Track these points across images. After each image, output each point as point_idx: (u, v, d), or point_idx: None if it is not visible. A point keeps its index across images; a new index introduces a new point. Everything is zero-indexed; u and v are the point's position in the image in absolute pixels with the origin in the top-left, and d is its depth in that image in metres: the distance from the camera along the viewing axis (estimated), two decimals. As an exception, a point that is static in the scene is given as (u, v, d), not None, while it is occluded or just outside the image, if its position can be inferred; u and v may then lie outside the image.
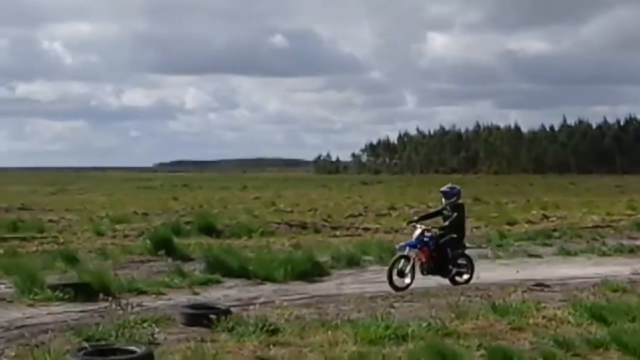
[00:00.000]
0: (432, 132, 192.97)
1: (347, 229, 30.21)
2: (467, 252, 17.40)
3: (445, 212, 17.09)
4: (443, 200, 17.20)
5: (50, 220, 32.47)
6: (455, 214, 16.84)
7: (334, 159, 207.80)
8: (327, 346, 10.70)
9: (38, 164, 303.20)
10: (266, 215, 35.70)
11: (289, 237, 26.83)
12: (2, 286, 16.29)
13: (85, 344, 10.28)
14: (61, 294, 14.96)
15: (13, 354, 10.68)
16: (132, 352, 9.52)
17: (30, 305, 14.51)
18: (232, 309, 13.12)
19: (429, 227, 16.88)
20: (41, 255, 21.06)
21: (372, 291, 16.19)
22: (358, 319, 12.43)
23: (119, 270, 18.01)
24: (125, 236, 26.74)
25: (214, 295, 15.75)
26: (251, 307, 13.90)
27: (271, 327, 11.61)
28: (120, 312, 13.08)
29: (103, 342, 10.52)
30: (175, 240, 22.27)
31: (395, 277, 16.26)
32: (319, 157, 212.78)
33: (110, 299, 14.34)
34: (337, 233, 28.67)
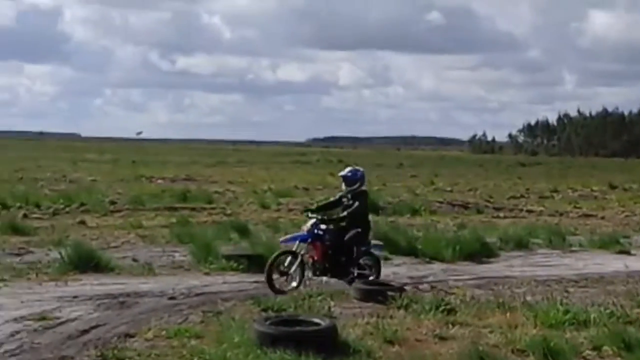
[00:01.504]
0: (593, 113, 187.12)
1: (510, 210, 29.79)
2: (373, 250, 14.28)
3: (345, 200, 13.99)
4: (343, 186, 14.07)
5: (215, 192, 33.34)
6: (357, 203, 13.74)
7: (489, 138, 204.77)
8: (506, 328, 10.58)
9: (195, 136, 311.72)
10: (427, 194, 35.57)
11: (451, 216, 26.69)
12: (177, 254, 16.86)
13: (270, 314, 10.52)
14: (235, 264, 15.38)
15: (199, 319, 11.05)
16: (317, 324, 9.67)
17: (207, 274, 14.98)
18: (406, 287, 13.15)
19: (325, 218, 13.87)
20: (212, 225, 21.67)
21: (544, 274, 15.95)
22: (534, 302, 12.26)
23: (288, 243, 18.29)
24: (290, 210, 27.20)
25: (383, 272, 15.74)
26: (423, 285, 13.91)
27: (447, 307, 11.57)
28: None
29: (287, 313, 10.73)
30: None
31: (276, 277, 13.38)
32: (474, 136, 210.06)
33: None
34: (501, 214, 28.31)
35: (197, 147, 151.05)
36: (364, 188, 14.16)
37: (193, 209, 26.16)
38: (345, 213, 13.75)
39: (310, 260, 13.63)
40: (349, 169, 14.31)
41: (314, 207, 14.82)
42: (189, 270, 15.37)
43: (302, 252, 13.47)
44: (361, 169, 14.35)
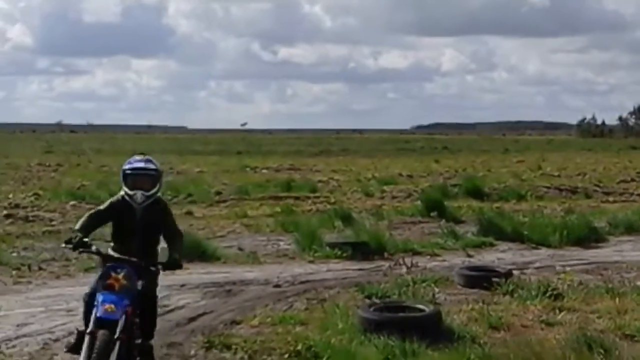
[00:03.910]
0: None
1: (621, 194, 29.06)
2: None
3: (139, 213, 7.72)
4: (125, 188, 7.75)
5: (319, 181, 33.51)
6: (171, 222, 7.91)
7: (599, 121, 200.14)
8: (615, 313, 10.39)
9: (299, 125, 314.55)
10: (533, 179, 35.02)
11: (559, 201, 26.20)
12: (282, 243, 17.05)
13: (374, 301, 10.57)
14: (339, 252, 15.46)
15: (304, 307, 11.16)
16: (421, 310, 9.67)
17: (311, 262, 15.09)
18: (513, 272, 12.98)
19: (134, 261, 7.52)
20: (315, 214, 21.81)
21: (655, 259, 15.51)
22: (644, 287, 11.99)
23: (392, 231, 18.33)
24: (393, 197, 27.17)
25: (488, 258, 15.66)
26: (529, 271, 13.71)
27: (554, 292, 11.42)
28: (405, 271, 13.32)
29: (391, 300, 10.75)
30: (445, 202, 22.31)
31: None
32: (583, 120, 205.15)
33: (393, 258, 14.71)
34: (610, 198, 27.65)
35: (301, 136, 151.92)
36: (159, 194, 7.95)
37: (297, 198, 26.35)
38: (177, 255, 7.66)
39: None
40: (140, 157, 8.00)
41: (76, 233, 7.58)
42: (294, 258, 15.50)
43: (118, 330, 7.13)
44: (155, 162, 7.97)
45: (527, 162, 52.06)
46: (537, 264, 14.82)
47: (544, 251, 16.50)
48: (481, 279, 12.37)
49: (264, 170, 42.32)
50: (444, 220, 19.54)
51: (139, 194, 7.68)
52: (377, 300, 10.65)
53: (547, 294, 11.32)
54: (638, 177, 37.98)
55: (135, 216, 7.72)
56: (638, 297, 11.23)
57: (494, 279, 12.05)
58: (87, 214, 7.83)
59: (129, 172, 7.77)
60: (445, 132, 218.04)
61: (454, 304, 11.23)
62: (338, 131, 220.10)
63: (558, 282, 12.23)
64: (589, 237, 17.63)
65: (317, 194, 27.75)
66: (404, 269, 13.51)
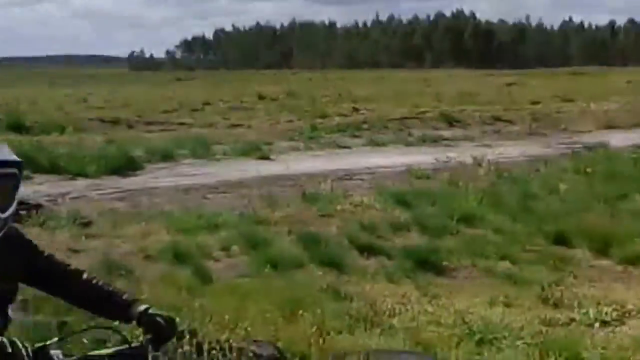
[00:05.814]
0: (247, 28, 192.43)
1: (162, 124, 29.99)
2: None
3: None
4: None
5: None
6: (30, 254, 3.45)
7: (147, 55, 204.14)
8: (140, 237, 10.86)
9: None
10: (78, 112, 34.89)
11: (102, 133, 26.43)
12: None
13: None
14: None
15: None
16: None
17: None
18: (43, 203, 13.00)
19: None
20: None
21: (187, 184, 16.36)
22: (172, 210, 12.64)
23: None
24: None
25: (24, 191, 15.41)
26: (62, 201, 13.82)
27: (84, 220, 11.65)
28: None
29: None
30: (-19, 137, 21.56)
31: None
32: (132, 53, 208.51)
33: None
34: (152, 128, 28.46)
35: None
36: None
37: None
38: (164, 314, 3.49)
39: None
40: None
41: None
42: None
43: None
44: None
45: (74, 95, 51.65)
46: (72, 195, 14.92)
47: (81, 182, 16.59)
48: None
49: None
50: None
51: None
52: None
53: (77, 223, 11.52)
54: (180, 106, 39.43)
55: None
56: (164, 220, 11.82)
57: (22, 212, 11.97)
58: None
59: None
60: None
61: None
62: None
63: (89, 210, 12.46)
64: (127, 167, 18.07)
65: None
66: None
